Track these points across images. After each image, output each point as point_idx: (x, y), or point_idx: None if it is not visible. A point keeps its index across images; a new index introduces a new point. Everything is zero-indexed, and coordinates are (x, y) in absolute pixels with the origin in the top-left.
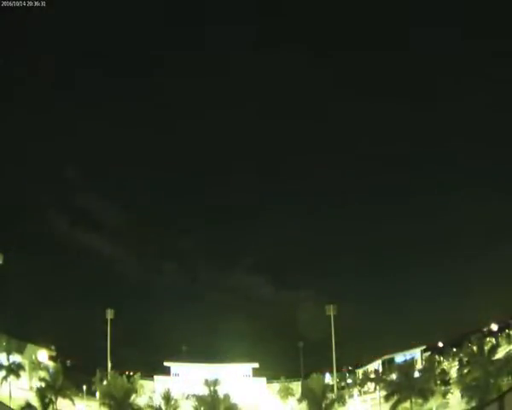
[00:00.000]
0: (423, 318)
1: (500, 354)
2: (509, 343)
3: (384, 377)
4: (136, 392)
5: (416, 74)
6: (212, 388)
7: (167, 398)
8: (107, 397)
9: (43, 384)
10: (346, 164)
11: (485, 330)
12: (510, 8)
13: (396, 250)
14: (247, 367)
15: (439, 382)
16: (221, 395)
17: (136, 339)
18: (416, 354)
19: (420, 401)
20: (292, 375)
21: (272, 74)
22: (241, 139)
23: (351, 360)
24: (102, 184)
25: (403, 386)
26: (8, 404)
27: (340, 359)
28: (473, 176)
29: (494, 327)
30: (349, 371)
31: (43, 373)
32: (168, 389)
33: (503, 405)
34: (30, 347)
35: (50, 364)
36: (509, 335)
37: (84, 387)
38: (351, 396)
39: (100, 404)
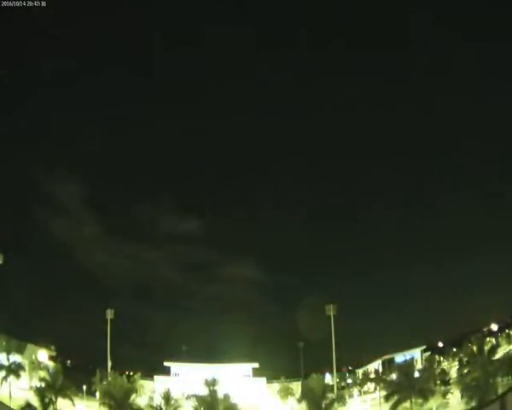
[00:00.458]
0: (423, 318)
1: (500, 354)
2: (509, 343)
3: (384, 377)
4: (136, 392)
5: (417, 74)
6: (211, 388)
7: (167, 398)
8: (107, 397)
9: (43, 384)
10: (346, 164)
11: (485, 330)
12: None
13: (396, 250)
14: (247, 367)
15: (439, 382)
16: (221, 395)
17: (136, 339)
18: (416, 354)
19: (420, 401)
20: (292, 375)
21: (273, 74)
22: (242, 140)
23: (351, 360)
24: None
25: (403, 386)
26: (8, 404)
27: (340, 359)
28: (473, 176)
29: (494, 327)
30: (349, 371)
31: (43, 373)
32: (168, 389)
33: (505, 404)
34: (30, 347)
35: (50, 364)
36: (509, 335)
37: (84, 387)
38: (351, 396)
39: (100, 404)
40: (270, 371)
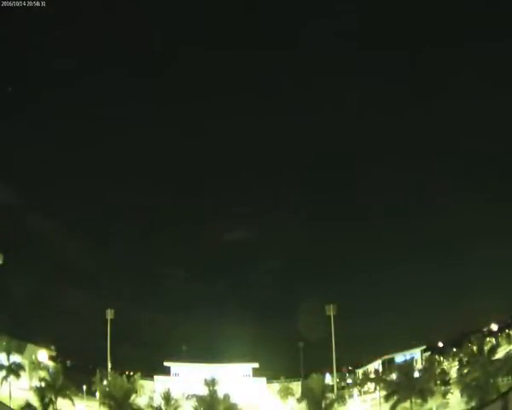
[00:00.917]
0: (423, 318)
1: (500, 354)
2: (509, 343)
3: (384, 377)
4: (136, 392)
5: (417, 74)
6: (211, 388)
7: (167, 398)
8: (107, 397)
9: (43, 384)
10: (346, 163)
11: (485, 330)
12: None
13: (396, 250)
14: (247, 367)
15: (439, 382)
16: (221, 394)
17: (136, 339)
18: (416, 354)
19: (420, 401)
20: (292, 375)
21: (273, 74)
22: (241, 140)
23: (351, 360)
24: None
25: (403, 386)
26: (8, 404)
27: (340, 359)
28: (473, 176)
29: (494, 327)
30: (349, 371)
31: (43, 373)
32: (168, 389)
33: (508, 403)
34: (30, 347)
35: (50, 364)
36: (509, 335)
37: (84, 387)
38: (351, 396)
39: (100, 404)
40: (270, 371)
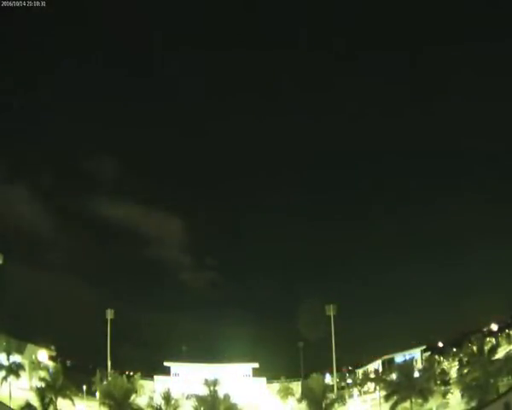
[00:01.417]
0: (423, 318)
1: (500, 354)
2: (509, 343)
3: (384, 377)
4: (136, 392)
5: (417, 74)
6: (211, 388)
7: (167, 398)
8: (107, 397)
9: (43, 384)
10: (347, 163)
11: (485, 330)
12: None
13: (396, 250)
14: (247, 367)
15: (439, 382)
16: (221, 395)
17: (136, 339)
18: (416, 354)
19: (420, 401)
20: (292, 375)
21: (273, 74)
22: (242, 141)
23: (351, 360)
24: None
25: (403, 386)
26: (8, 404)
27: (340, 359)
28: (473, 176)
29: (494, 327)
30: (349, 371)
31: (43, 373)
32: (168, 389)
33: (509, 403)
34: (30, 347)
35: (50, 364)
36: (509, 335)
37: (84, 387)
38: (351, 396)
39: (100, 404)
40: (270, 372)
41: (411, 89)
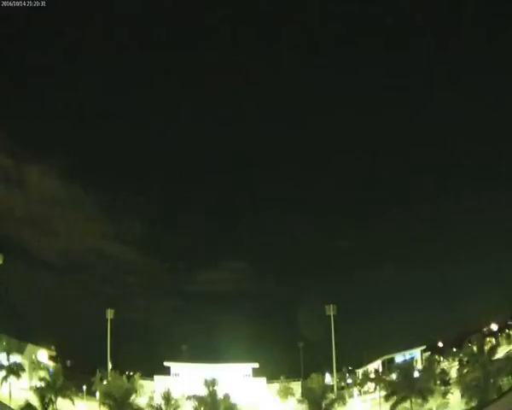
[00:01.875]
0: (423, 318)
1: (500, 354)
2: (509, 343)
3: (384, 377)
4: (136, 392)
5: (418, 74)
6: (211, 388)
7: (167, 398)
8: (107, 397)
9: (43, 384)
10: (347, 163)
11: (485, 330)
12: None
13: (396, 250)
14: (247, 367)
15: (439, 382)
16: (221, 395)
17: (136, 339)
18: (416, 354)
19: (420, 401)
20: (292, 375)
21: (273, 74)
22: (242, 141)
23: (351, 360)
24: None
25: (403, 386)
26: (8, 404)
27: (340, 359)
28: (473, 176)
29: (494, 327)
30: (349, 371)
31: (43, 373)
32: (168, 389)
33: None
34: (30, 347)
35: (50, 364)
36: (509, 335)
37: (84, 387)
38: (351, 396)
39: (100, 404)
40: (270, 372)
41: (411, 88)
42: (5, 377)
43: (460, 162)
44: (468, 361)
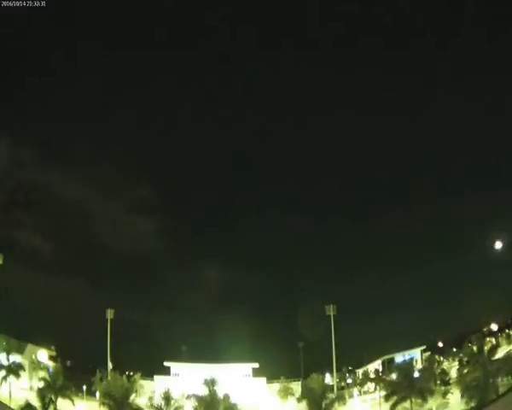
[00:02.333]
0: (423, 318)
1: (500, 354)
2: (509, 343)
3: (384, 377)
4: (136, 392)
5: (418, 75)
6: (211, 388)
7: (167, 398)
8: (107, 397)
9: (43, 384)
10: (347, 163)
11: (485, 330)
12: None
13: (396, 250)
14: (247, 367)
15: (439, 382)
16: (221, 395)
17: (136, 339)
18: (416, 354)
19: (420, 400)
20: (292, 375)
21: (273, 74)
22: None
23: (351, 360)
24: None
25: (403, 386)
26: (8, 404)
27: (340, 359)
28: (474, 177)
29: (494, 327)
30: (349, 371)
31: (43, 373)
32: (168, 389)
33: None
34: (30, 347)
35: (50, 364)
36: (509, 335)
37: (84, 387)
38: (351, 396)
39: (100, 404)
40: (270, 372)
41: (411, 88)
42: (5, 377)
43: (460, 162)
44: (468, 361)
